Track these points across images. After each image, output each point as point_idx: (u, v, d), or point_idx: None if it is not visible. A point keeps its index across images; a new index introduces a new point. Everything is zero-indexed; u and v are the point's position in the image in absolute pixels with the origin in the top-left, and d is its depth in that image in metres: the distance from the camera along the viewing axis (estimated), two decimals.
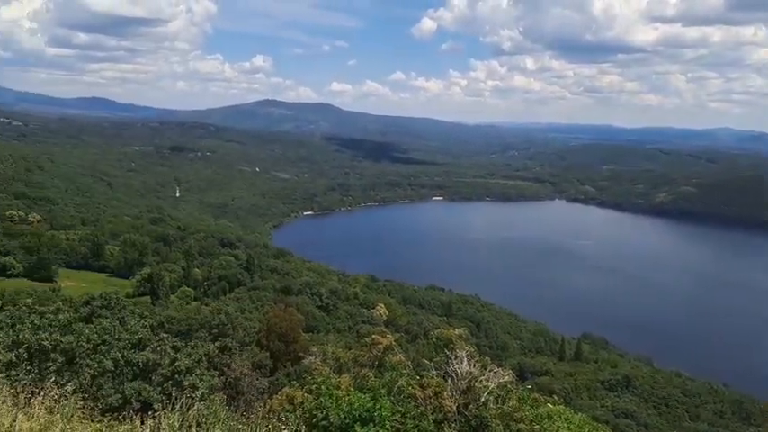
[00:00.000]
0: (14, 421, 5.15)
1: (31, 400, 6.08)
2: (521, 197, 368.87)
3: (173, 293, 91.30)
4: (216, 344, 22.61)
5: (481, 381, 13.02)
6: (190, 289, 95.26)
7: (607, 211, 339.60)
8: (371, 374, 15.59)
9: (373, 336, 21.34)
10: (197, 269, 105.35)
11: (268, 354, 41.58)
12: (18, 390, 6.52)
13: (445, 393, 12.45)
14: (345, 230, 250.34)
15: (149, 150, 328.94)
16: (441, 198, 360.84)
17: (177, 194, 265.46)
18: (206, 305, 76.99)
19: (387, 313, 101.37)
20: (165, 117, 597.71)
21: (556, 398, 16.22)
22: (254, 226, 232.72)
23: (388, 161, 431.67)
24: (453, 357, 13.61)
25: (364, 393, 10.84)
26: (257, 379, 21.82)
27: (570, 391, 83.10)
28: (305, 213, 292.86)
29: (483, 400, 12.56)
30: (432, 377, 13.32)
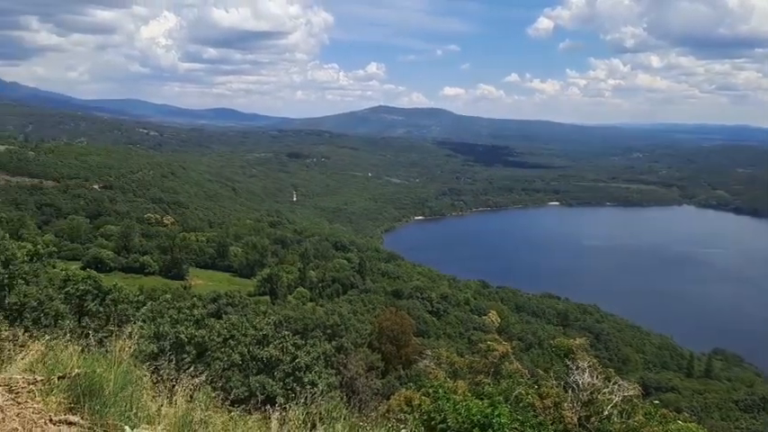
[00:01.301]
0: (161, 407, 5.47)
1: (173, 389, 6.43)
2: (645, 202, 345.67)
3: (290, 294, 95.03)
4: (332, 344, 23.41)
5: (604, 393, 12.34)
6: (306, 290, 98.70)
7: (743, 217, 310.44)
8: (488, 381, 15.28)
9: (489, 343, 20.94)
10: (312, 271, 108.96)
11: (380, 356, 42.18)
12: (160, 378, 6.93)
13: (566, 404, 11.94)
14: (456, 236, 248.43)
15: (269, 157, 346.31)
16: (557, 203, 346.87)
17: (294, 199, 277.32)
18: (321, 306, 79.50)
19: (499, 320, 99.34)
20: (284, 125, 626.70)
21: (687, 415, 15.02)
22: (366, 230, 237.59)
23: (502, 165, 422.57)
24: (574, 368, 13.01)
25: (481, 400, 10.61)
26: (371, 380, 22.29)
27: (700, 409, 76.85)
28: (416, 218, 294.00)
29: (606, 413, 11.89)
30: (551, 387, 12.81)
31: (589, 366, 13.10)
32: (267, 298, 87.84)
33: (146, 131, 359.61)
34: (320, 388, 14.41)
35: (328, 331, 48.18)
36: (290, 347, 17.79)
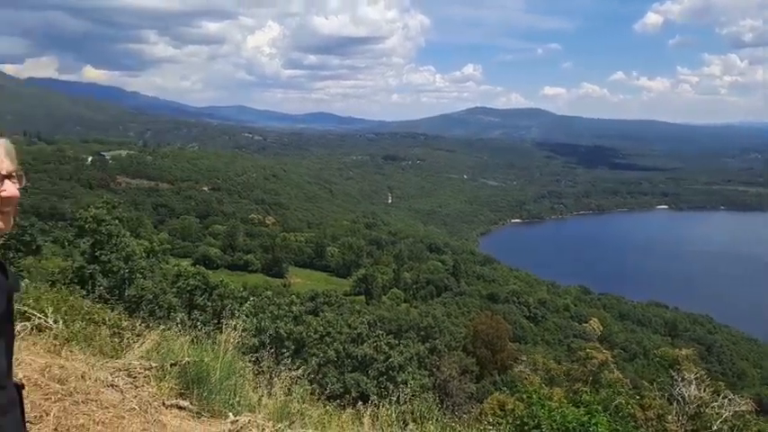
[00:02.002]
0: (261, 397, 5.71)
1: (272, 381, 6.68)
2: (765, 206, 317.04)
3: (384, 294, 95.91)
4: (426, 345, 23.45)
5: (713, 407, 11.52)
6: (400, 291, 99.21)
7: None
8: (586, 389, 14.71)
9: (587, 350, 20.13)
10: (406, 272, 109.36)
11: (474, 360, 41.65)
12: (261, 370, 7.20)
13: (670, 417, 11.28)
14: (556, 239, 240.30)
15: (365, 160, 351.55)
16: (665, 207, 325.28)
17: (389, 201, 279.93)
18: (415, 307, 79.63)
19: (601, 328, 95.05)
20: (380, 128, 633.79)
21: None
22: (461, 232, 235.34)
23: (605, 167, 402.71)
24: (680, 380, 12.25)
25: (578, 408, 10.22)
26: (465, 383, 22.12)
27: None
28: (513, 221, 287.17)
29: (715, 428, 11.10)
30: (654, 398, 12.14)
31: (696, 378, 12.29)
32: (362, 298, 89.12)
33: (251, 136, 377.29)
34: (413, 388, 14.50)
35: (422, 333, 48.21)
36: (384, 347, 18.05)
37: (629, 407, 11.30)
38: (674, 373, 12.38)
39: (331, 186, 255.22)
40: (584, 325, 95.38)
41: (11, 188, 1.55)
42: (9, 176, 1.56)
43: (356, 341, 18.24)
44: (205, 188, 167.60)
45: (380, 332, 18.94)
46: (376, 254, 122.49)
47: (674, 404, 11.76)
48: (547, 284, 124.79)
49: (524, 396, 11.38)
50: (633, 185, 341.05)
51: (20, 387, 1.52)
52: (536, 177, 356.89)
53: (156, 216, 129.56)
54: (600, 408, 10.39)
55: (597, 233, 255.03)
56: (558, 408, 10.03)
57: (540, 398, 10.36)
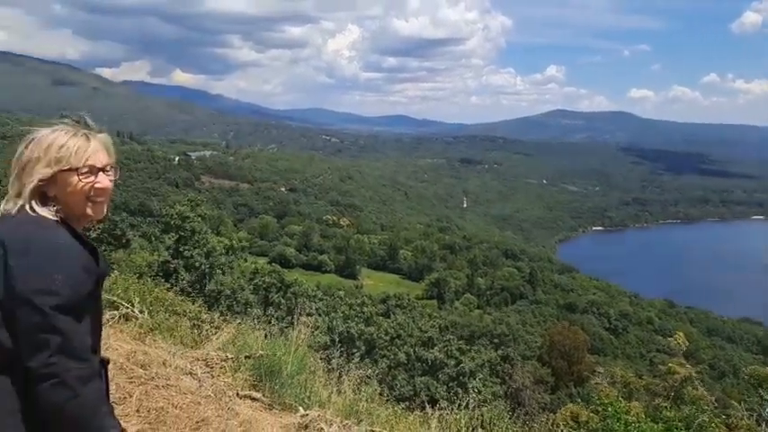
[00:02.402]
0: (330, 394, 5.79)
1: (342, 379, 6.75)
2: None
3: (457, 299, 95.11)
4: (498, 353, 23.05)
5: None
6: (473, 297, 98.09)
7: None
8: (666, 405, 13.97)
9: (669, 365, 19.14)
10: (480, 278, 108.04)
11: (549, 371, 40.55)
12: (331, 368, 7.29)
13: None
14: (640, 249, 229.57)
15: (441, 163, 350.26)
16: (761, 217, 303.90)
17: (464, 205, 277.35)
18: (488, 314, 78.52)
19: (687, 344, 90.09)
20: (457, 131, 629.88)
21: None
22: (538, 239, 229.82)
23: (695, 174, 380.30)
24: None
25: (657, 424, 9.71)
26: (538, 393, 21.55)
27: None
28: (594, 229, 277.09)
29: None
30: (741, 419, 11.37)
31: None
32: (434, 302, 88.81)
33: (328, 138, 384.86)
34: (483, 395, 14.27)
35: (495, 340, 47.42)
36: (455, 352, 17.88)
37: (714, 426, 10.62)
38: (763, 393, 11.53)
39: (405, 189, 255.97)
40: (669, 339, 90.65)
41: (104, 180, 1.72)
42: (104, 169, 1.74)
43: (427, 345, 18.15)
44: (283, 189, 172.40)
45: (451, 337, 18.76)
46: (449, 258, 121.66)
47: (764, 425, 10.98)
48: (629, 296, 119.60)
49: (600, 408, 10.94)
50: (726, 194, 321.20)
51: (105, 362, 1.72)
52: (620, 183, 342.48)
53: (237, 215, 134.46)
54: (681, 425, 9.84)
55: (685, 243, 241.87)
56: (636, 422, 9.59)
57: (616, 411, 9.93)
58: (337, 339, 15.88)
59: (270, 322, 7.88)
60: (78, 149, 1.69)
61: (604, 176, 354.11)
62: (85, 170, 1.68)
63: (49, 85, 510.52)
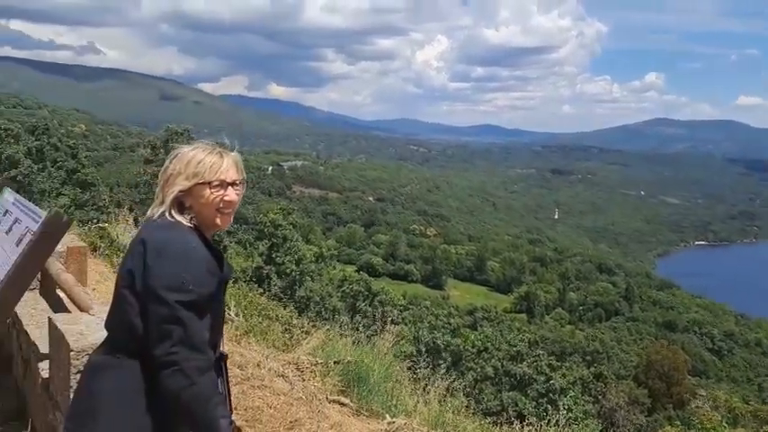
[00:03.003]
0: (417, 404, 5.79)
1: (427, 389, 6.74)
2: None
3: (547, 314, 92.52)
4: (591, 370, 22.09)
5: None
6: (564, 312, 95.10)
7: None
8: None
9: None
10: (572, 293, 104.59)
11: (646, 391, 38.46)
12: (417, 378, 7.30)
13: None
14: (748, 265, 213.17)
15: (531, 173, 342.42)
16: None
17: (555, 216, 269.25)
18: (580, 330, 75.77)
19: None
20: (548, 140, 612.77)
21: None
22: (635, 253, 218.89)
23: None
24: None
25: None
26: (634, 414, 20.45)
27: None
28: (696, 243, 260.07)
29: None
30: None
31: None
32: (523, 316, 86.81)
33: (415, 148, 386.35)
34: (574, 414, 13.75)
35: (587, 357, 45.62)
36: (545, 368, 17.33)
37: None
38: None
39: (494, 200, 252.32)
40: None
41: (232, 194, 1.94)
42: (233, 184, 1.95)
43: (515, 359, 17.71)
44: (371, 198, 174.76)
45: (541, 352, 18.18)
46: (539, 271, 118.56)
47: None
48: (735, 315, 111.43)
49: None
50: None
51: (224, 357, 1.96)
52: (725, 196, 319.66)
53: (325, 223, 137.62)
54: None
55: None
56: None
57: None
58: (423, 349, 15.81)
59: (356, 329, 8.01)
60: (213, 165, 1.91)
61: (708, 188, 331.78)
62: (217, 184, 1.90)
63: (156, 100, 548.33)
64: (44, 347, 3.19)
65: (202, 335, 1.71)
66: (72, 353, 2.17)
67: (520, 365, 16.51)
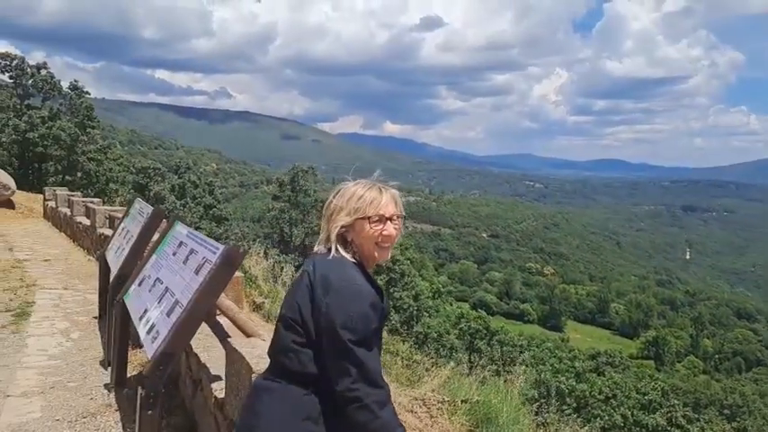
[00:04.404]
0: None
1: None
2: None
3: (678, 361, 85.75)
4: (731, 426, 20.01)
5: None
6: (698, 360, 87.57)
7: None
8: None
9: None
10: (707, 339, 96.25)
11: None
12: (544, 422, 7.13)
13: None
14: None
15: (659, 210, 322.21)
16: None
17: (687, 257, 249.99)
18: (717, 381, 69.45)
19: None
20: (678, 175, 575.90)
21: None
22: None
23: None
24: None
25: None
26: None
27: None
28: None
29: None
30: None
31: None
32: (651, 363, 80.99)
33: (531, 184, 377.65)
34: None
35: (726, 411, 41.46)
36: (681, 419, 15.96)
37: None
38: None
39: (618, 238, 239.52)
40: None
41: (390, 228, 1.99)
42: (391, 218, 2.00)
43: (646, 409, 16.47)
44: (484, 234, 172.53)
45: (677, 402, 16.77)
46: (669, 315, 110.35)
47: None
48: None
49: None
50: None
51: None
52: None
53: (438, 259, 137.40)
54: None
55: None
56: None
57: None
58: (545, 392, 15.21)
59: (473, 368, 7.97)
60: (373, 201, 1.99)
61: None
62: (376, 219, 1.97)
63: (277, 139, 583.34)
64: (214, 369, 3.52)
65: (377, 369, 1.78)
66: (253, 374, 2.41)
67: (652, 416, 15.30)
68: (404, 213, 2.10)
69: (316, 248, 2.02)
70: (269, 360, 1.96)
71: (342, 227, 1.98)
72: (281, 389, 1.84)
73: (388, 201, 2.02)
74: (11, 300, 7.84)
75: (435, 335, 20.36)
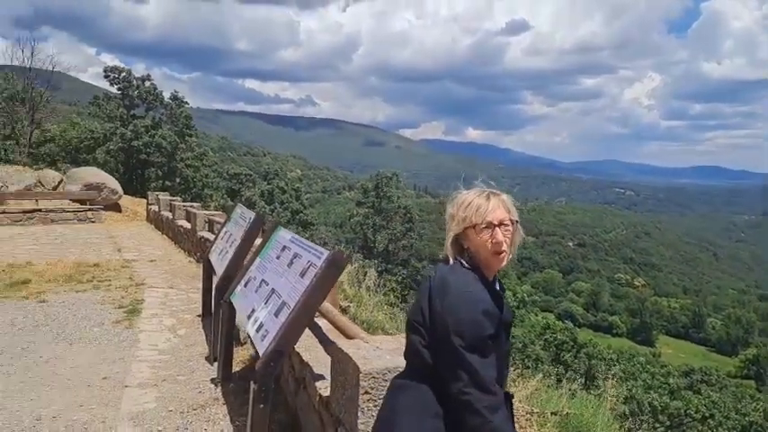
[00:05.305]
0: None
1: None
2: None
3: None
4: None
5: None
6: None
7: None
8: None
9: None
10: None
11: None
12: None
13: None
14: None
15: (761, 219, 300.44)
16: None
17: None
18: None
19: None
20: None
21: None
22: None
23: None
24: None
25: None
26: None
27: None
28: None
29: None
30: None
31: None
32: (751, 382, 75.43)
33: (621, 191, 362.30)
34: None
35: None
36: None
37: None
38: None
39: (715, 249, 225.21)
40: None
41: (498, 235, 2.00)
42: (501, 224, 2.02)
43: (747, 431, 15.37)
44: (570, 243, 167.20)
45: None
46: None
47: None
48: None
49: None
50: None
51: (510, 396, 2.03)
52: None
53: (521, 267, 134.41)
54: None
55: None
56: None
57: None
58: (637, 409, 14.54)
59: (560, 380, 7.78)
60: (479, 208, 2.03)
61: None
62: (484, 226, 2.00)
63: (360, 146, 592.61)
64: (316, 368, 3.69)
65: (489, 375, 1.83)
66: (360, 374, 2.53)
67: None
68: (517, 218, 2.12)
69: (441, 255, 2.11)
70: (386, 360, 2.20)
71: (455, 235, 2.05)
72: (412, 387, 1.96)
73: (495, 207, 2.05)
74: (122, 297, 8.48)
75: (520, 345, 19.94)
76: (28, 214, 18.15)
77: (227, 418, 4.29)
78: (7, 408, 4.44)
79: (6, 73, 30.53)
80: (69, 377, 5.18)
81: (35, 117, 30.28)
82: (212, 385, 4.98)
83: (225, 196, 34.77)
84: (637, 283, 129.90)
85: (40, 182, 21.10)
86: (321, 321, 4.44)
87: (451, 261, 2.03)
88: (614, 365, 22.59)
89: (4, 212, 17.87)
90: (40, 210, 18.44)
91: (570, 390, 7.62)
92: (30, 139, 30.16)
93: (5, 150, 28.42)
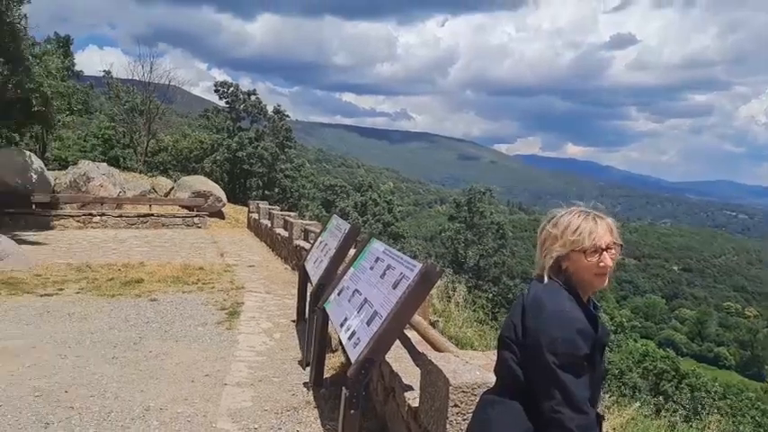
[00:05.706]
0: None
1: None
2: None
3: None
4: None
5: None
6: None
7: None
8: None
9: None
10: None
11: None
12: None
13: None
14: None
15: None
16: None
17: None
18: None
19: None
20: None
21: None
22: None
23: None
24: None
25: None
26: None
27: None
28: None
29: None
30: None
31: None
32: None
33: (733, 214, 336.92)
34: None
35: None
36: None
37: None
38: None
39: None
40: None
41: (607, 259, 1.99)
42: (608, 249, 2.01)
43: None
44: (675, 267, 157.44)
45: None
46: None
47: None
48: None
49: None
50: None
51: (600, 417, 2.02)
52: None
53: (620, 291, 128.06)
54: None
55: None
56: None
57: None
58: None
59: (658, 411, 7.41)
60: (591, 233, 2.01)
61: None
62: (592, 250, 1.99)
63: (454, 160, 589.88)
64: (405, 379, 3.75)
65: (582, 395, 1.82)
66: (450, 387, 2.57)
67: None
68: (621, 242, 2.09)
69: (534, 273, 2.11)
70: (476, 375, 2.21)
71: (556, 256, 2.03)
72: (503, 402, 1.97)
73: (604, 231, 2.04)
74: (224, 300, 8.97)
75: (617, 371, 19.00)
76: (142, 218, 19.60)
77: (318, 421, 4.44)
78: (121, 396, 4.84)
79: (128, 87, 33.15)
80: (175, 372, 5.55)
81: (151, 128, 32.64)
82: (305, 389, 5.16)
83: (320, 206, 35.83)
84: (748, 312, 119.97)
85: (153, 188, 22.75)
86: (411, 333, 4.50)
87: (546, 280, 2.02)
88: (721, 399, 20.98)
89: (121, 216, 19.40)
90: (152, 214, 19.86)
91: (670, 422, 7.23)
92: (146, 148, 32.56)
93: (124, 158, 30.87)
